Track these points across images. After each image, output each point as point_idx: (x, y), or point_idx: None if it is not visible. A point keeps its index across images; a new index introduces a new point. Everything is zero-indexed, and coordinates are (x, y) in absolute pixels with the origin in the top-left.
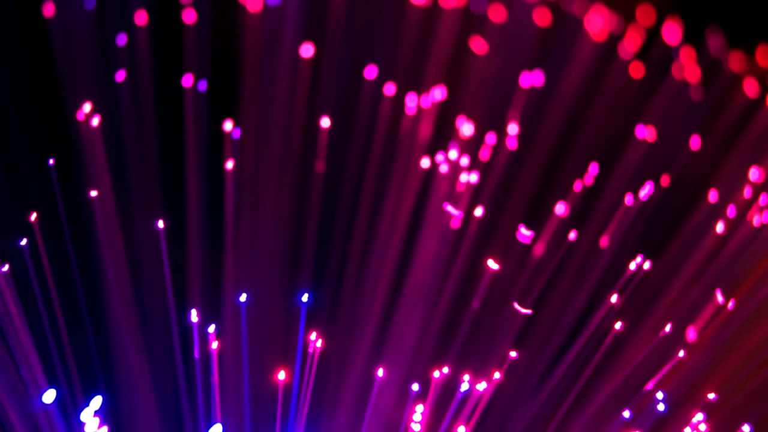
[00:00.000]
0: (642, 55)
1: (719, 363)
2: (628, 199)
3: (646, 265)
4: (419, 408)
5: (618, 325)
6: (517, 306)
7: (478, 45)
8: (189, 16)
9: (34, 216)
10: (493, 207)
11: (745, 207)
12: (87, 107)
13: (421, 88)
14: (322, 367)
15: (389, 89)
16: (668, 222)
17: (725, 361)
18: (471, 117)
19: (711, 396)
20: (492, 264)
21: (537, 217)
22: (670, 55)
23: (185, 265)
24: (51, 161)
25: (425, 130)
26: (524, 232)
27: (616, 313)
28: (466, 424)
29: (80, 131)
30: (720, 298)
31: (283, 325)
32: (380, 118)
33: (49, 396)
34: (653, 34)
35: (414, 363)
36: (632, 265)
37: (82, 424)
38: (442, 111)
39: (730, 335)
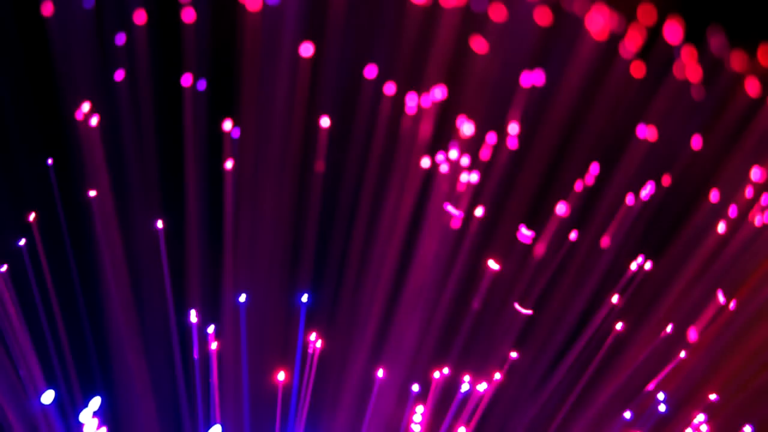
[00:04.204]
0: (643, 54)
1: (721, 363)
2: (629, 199)
3: (648, 266)
4: (419, 409)
5: (619, 326)
6: (517, 306)
7: (479, 44)
8: (188, 15)
9: (32, 216)
10: (493, 207)
11: (747, 207)
12: (86, 107)
13: (421, 88)
14: (321, 368)
15: (389, 89)
16: (669, 222)
17: (727, 362)
18: (471, 116)
19: (712, 397)
20: (492, 264)
21: (538, 217)
22: (671, 54)
23: (184, 266)
24: (50, 161)
25: (425, 129)
26: (525, 232)
27: (617, 313)
28: (467, 425)
29: (79, 131)
30: (721, 298)
31: (282, 325)
32: (380, 117)
33: (48, 397)
34: (654, 34)
35: (414, 363)
36: (633, 266)
37: (80, 425)
38: (443, 110)
39: (731, 336)
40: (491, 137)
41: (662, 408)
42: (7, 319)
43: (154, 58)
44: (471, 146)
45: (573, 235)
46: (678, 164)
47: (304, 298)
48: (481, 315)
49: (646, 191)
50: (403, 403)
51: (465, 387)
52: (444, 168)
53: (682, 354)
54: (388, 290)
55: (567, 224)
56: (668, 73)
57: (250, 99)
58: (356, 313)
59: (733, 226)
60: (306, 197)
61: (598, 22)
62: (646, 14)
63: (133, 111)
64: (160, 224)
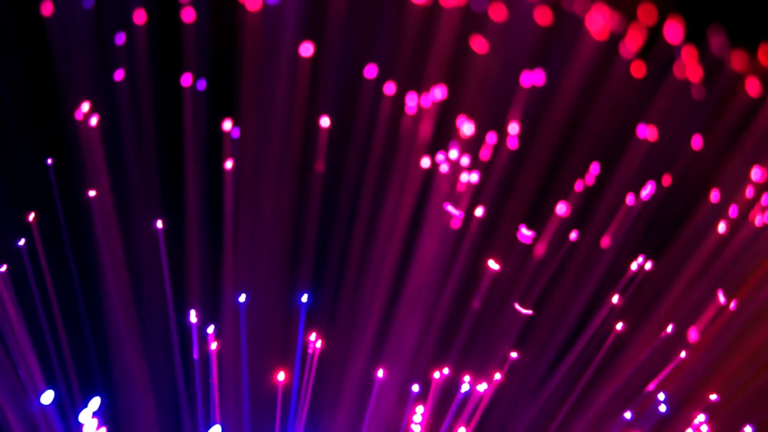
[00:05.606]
0: (643, 54)
1: (721, 364)
2: (630, 198)
3: (648, 266)
4: (419, 409)
5: (619, 326)
6: (517, 306)
7: (479, 44)
8: (188, 14)
9: (32, 216)
10: (493, 207)
11: (747, 207)
12: (85, 107)
13: (421, 88)
14: (321, 368)
15: (389, 88)
16: (670, 222)
17: (727, 362)
18: (471, 116)
19: (713, 397)
20: (493, 264)
21: (538, 217)
22: (671, 54)
23: (184, 266)
24: (49, 161)
25: (425, 129)
26: (525, 232)
27: (617, 313)
28: (467, 425)
29: (79, 131)
30: (722, 298)
31: (282, 325)
32: (380, 117)
33: (48, 397)
34: (655, 33)
35: (414, 364)
36: (634, 266)
37: (80, 426)
38: (443, 110)
39: (732, 336)
40: (491, 137)
41: (662, 408)
42: (7, 319)
43: (154, 58)
44: (471, 146)
45: (573, 235)
46: (678, 164)
47: (304, 298)
48: (481, 315)
49: (646, 191)
50: (403, 403)
51: (465, 387)
52: (444, 168)
53: (683, 354)
54: (388, 290)
55: (567, 224)
56: (668, 73)
57: (250, 99)
58: (356, 313)
59: (733, 226)
60: (306, 197)
61: (598, 22)
62: (646, 14)
63: (133, 111)
64: (160, 224)
